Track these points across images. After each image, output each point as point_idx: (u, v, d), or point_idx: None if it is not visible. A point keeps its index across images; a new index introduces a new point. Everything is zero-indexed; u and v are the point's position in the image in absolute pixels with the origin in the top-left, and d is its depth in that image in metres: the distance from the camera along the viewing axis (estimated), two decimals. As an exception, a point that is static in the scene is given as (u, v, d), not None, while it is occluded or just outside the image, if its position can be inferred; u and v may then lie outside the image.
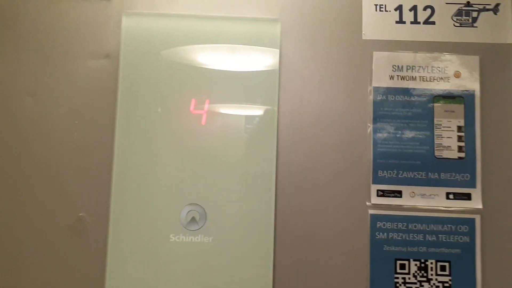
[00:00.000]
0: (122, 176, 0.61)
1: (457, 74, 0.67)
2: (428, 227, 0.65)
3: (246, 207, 0.62)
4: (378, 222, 0.65)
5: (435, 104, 0.66)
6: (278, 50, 0.64)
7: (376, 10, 0.67)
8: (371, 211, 0.65)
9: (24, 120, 0.64)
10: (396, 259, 0.65)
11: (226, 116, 0.63)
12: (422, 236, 0.65)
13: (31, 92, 0.64)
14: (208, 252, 0.61)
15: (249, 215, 0.62)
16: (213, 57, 0.63)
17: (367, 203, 0.65)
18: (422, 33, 0.67)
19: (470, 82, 0.67)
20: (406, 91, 0.67)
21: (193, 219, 0.61)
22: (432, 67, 0.67)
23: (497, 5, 0.68)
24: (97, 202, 0.63)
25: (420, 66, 0.67)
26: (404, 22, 0.67)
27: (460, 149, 0.66)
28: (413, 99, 0.67)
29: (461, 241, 0.65)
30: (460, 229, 0.65)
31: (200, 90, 0.63)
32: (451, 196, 0.65)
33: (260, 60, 0.64)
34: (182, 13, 0.66)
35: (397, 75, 0.67)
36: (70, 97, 0.64)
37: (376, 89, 0.67)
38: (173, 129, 0.62)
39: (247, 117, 0.63)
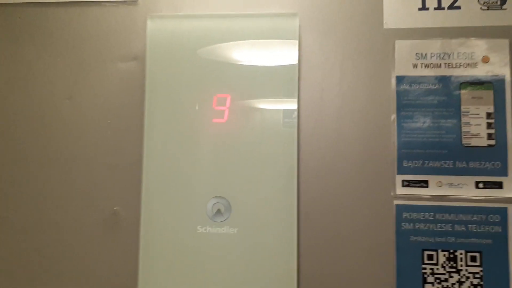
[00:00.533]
0: (151, 171, 0.65)
1: (485, 59, 0.64)
2: (456, 217, 0.64)
3: (269, 199, 0.64)
4: (403, 213, 0.64)
5: (462, 91, 0.65)
6: (297, 43, 0.64)
7: (397, -2, 0.66)
8: (396, 202, 0.65)
9: (63, 121, 0.69)
10: (424, 250, 0.64)
11: (248, 110, 0.65)
12: (450, 226, 0.64)
13: (68, 95, 0.69)
14: (234, 242, 0.63)
15: (272, 207, 0.63)
16: (234, 54, 0.65)
17: (392, 194, 0.65)
18: (447, 18, 0.65)
19: (500, 67, 0.64)
20: (430, 79, 0.65)
21: (218, 211, 0.64)
22: (458, 53, 0.65)
23: (528, -16, 0.65)
24: (130, 196, 0.67)
25: (445, 53, 0.65)
26: (428, 9, 0.66)
27: (489, 136, 0.64)
28: (438, 87, 0.65)
29: (492, 231, 0.63)
30: (491, 219, 0.63)
31: (222, 86, 0.65)
32: (480, 185, 0.64)
33: (280, 54, 0.65)
34: (203, 13, 0.68)
35: (421, 63, 0.66)
36: (103, 99, 0.69)
37: (399, 78, 0.66)
38: (198, 125, 0.65)
39: (268, 111, 0.64)
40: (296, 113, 0.64)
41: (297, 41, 0.65)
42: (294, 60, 0.64)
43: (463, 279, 0.63)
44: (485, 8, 0.65)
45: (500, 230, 0.63)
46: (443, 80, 0.65)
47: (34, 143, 0.69)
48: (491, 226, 0.63)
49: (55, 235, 0.68)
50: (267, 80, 0.65)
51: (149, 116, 0.66)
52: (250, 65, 0.65)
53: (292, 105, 0.64)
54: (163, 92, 0.66)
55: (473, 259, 0.63)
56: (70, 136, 0.69)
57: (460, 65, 0.65)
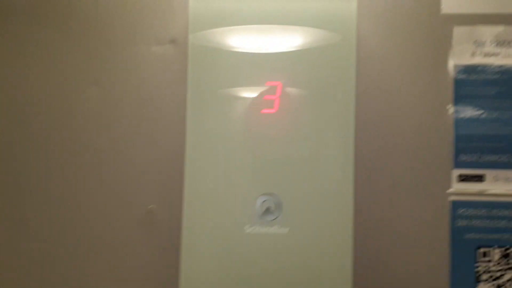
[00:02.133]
0: (194, 166, 0.59)
1: (546, 48, 0.62)
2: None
3: (322, 196, 0.59)
4: (459, 209, 0.62)
5: (523, 82, 0.62)
6: (355, 30, 0.59)
7: (456, -19, 0.62)
8: (452, 198, 0.62)
9: (89, 110, 0.62)
10: (478, 247, 0.62)
11: (300, 100, 0.60)
12: (505, 222, 0.62)
13: (96, 80, 0.62)
14: (285, 243, 0.59)
15: (326, 204, 0.59)
16: (286, 39, 0.60)
17: (448, 189, 0.62)
18: (509, 3, 0.62)
19: None
20: (490, 69, 0.62)
21: (268, 209, 0.59)
22: (520, 41, 0.62)
23: None
24: (167, 194, 0.61)
25: (505, 40, 0.62)
26: (488, -7, 0.62)
27: (551, 129, 0.61)
28: (497, 76, 0.62)
29: (548, 226, 0.61)
30: (547, 214, 0.61)
31: (272, 73, 0.60)
32: (538, 180, 0.62)
33: (336, 39, 0.60)
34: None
35: (480, 51, 0.62)
36: (135, 86, 0.62)
37: (457, 67, 0.62)
38: (245, 116, 0.60)
39: (322, 100, 0.60)
40: (353, 103, 0.59)
41: (354, 28, 0.60)
42: (351, 47, 0.60)
43: (517, 276, 0.61)
44: (548, -6, 0.62)
45: (557, 226, 0.61)
46: (503, 69, 0.62)
47: (56, 136, 0.62)
48: (547, 221, 0.61)
49: (80, 239, 0.62)
50: (320, 67, 0.60)
51: (192, 107, 0.59)
52: (303, 51, 0.60)
53: (348, 94, 0.59)
54: (206, 80, 0.60)
55: (528, 255, 0.61)
56: (97, 128, 0.62)
57: (521, 54, 0.62)
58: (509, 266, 0.61)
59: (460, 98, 0.62)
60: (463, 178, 0.62)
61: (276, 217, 0.59)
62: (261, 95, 0.60)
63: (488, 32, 0.62)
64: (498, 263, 0.61)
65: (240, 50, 0.60)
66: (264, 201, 0.59)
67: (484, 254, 0.62)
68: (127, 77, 0.62)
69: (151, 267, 0.61)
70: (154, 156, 0.61)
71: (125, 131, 0.62)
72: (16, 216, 0.62)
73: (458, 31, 0.62)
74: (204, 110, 0.60)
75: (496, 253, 0.62)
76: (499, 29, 0.62)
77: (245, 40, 0.60)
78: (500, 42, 0.62)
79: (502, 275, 0.61)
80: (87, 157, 0.62)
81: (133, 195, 0.61)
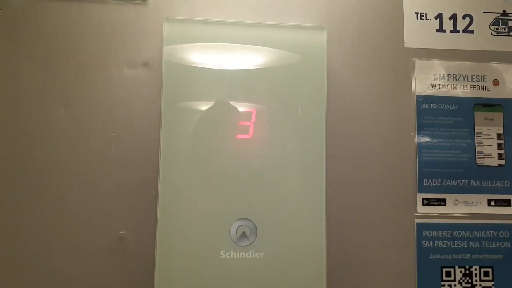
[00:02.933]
0: (168, 191, 0.58)
1: (495, 83, 0.68)
2: (471, 234, 0.66)
3: (297, 221, 0.60)
4: (424, 231, 0.65)
5: (476, 112, 0.67)
6: (325, 58, 0.62)
7: (417, 19, 0.67)
8: (417, 220, 0.65)
9: (58, 132, 0.60)
10: (442, 267, 0.65)
11: (273, 126, 0.61)
12: (466, 243, 0.65)
13: (65, 103, 0.60)
14: (261, 268, 0.59)
15: (300, 229, 0.60)
16: (258, 64, 0.61)
17: (414, 213, 0.65)
18: (462, 41, 0.68)
19: (509, 90, 0.67)
20: (448, 100, 0.67)
21: (243, 234, 0.59)
22: (472, 75, 0.67)
23: (531, 14, 0.69)
24: (139, 219, 0.59)
25: (460, 75, 0.67)
26: (445, 31, 0.68)
27: (500, 156, 0.67)
28: (454, 107, 0.67)
29: (502, 246, 0.66)
30: (501, 235, 0.66)
31: (246, 99, 0.61)
32: (492, 203, 0.66)
33: (308, 67, 0.62)
34: (225, 20, 0.63)
35: (439, 84, 0.67)
36: (105, 108, 0.61)
37: (419, 97, 0.66)
38: (220, 141, 0.60)
39: (294, 127, 0.61)
40: (324, 132, 0.61)
41: (325, 57, 0.62)
42: (322, 75, 0.62)
43: (477, 294, 0.65)
44: (495, 34, 0.68)
45: (509, 246, 0.66)
46: (459, 101, 0.67)
47: (23, 158, 0.59)
48: (502, 242, 0.66)
49: (58, 261, 0.58)
50: (293, 94, 0.61)
51: (166, 130, 0.59)
52: (277, 75, 0.61)
53: (319, 121, 0.61)
54: (181, 103, 0.59)
55: (486, 274, 0.65)
56: (67, 150, 0.59)
57: (474, 87, 0.67)
58: (470, 284, 0.65)
59: (422, 126, 0.66)
60: (427, 202, 0.65)
61: (252, 242, 0.59)
62: (236, 120, 0.60)
63: (446, 66, 0.67)
64: (460, 282, 0.65)
65: (214, 75, 0.60)
66: (240, 226, 0.59)
67: (448, 274, 0.65)
68: (97, 100, 0.60)
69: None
70: (125, 179, 0.59)
71: (96, 154, 0.60)
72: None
73: (420, 64, 0.67)
74: (178, 134, 0.59)
75: (458, 272, 0.65)
76: (454, 63, 0.67)
77: (219, 65, 0.60)
78: (457, 76, 0.67)
79: (464, 294, 0.65)
80: (56, 181, 0.59)
81: (104, 221, 0.59)
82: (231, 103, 0.60)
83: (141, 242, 0.59)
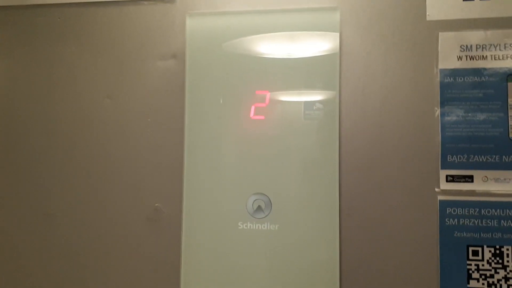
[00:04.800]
0: (192, 168, 0.66)
1: (533, 50, 0.62)
2: (503, 213, 0.62)
3: (310, 195, 0.63)
4: (448, 208, 0.63)
5: (510, 83, 0.62)
6: (338, 36, 0.64)
7: (440, -12, 0.64)
8: (440, 197, 0.63)
9: (104, 120, 0.70)
10: (468, 246, 0.63)
11: (288, 104, 0.64)
12: (496, 221, 0.62)
13: (109, 94, 0.70)
14: (275, 239, 0.64)
15: (313, 202, 0.63)
16: (274, 47, 0.65)
17: (436, 189, 0.63)
18: (493, 8, 0.63)
19: (548, 58, 0.62)
20: (476, 72, 0.63)
21: (259, 208, 0.64)
22: (505, 44, 0.63)
23: None
24: (171, 194, 0.67)
25: (491, 44, 0.63)
26: (473, -1, 0.64)
27: (537, 129, 0.62)
28: (484, 79, 0.63)
29: (539, 226, 0.61)
30: (538, 214, 0.62)
31: (261, 82, 0.65)
32: (528, 180, 0.62)
33: (320, 46, 0.64)
34: (242, 10, 0.68)
35: (466, 55, 0.64)
36: (142, 97, 0.69)
37: (443, 71, 0.64)
38: (237, 122, 0.65)
39: (308, 104, 0.64)
40: (337, 107, 0.63)
41: (338, 34, 0.64)
42: (335, 55, 0.64)
43: (509, 275, 0.62)
44: (534, -4, 0.62)
45: (548, 226, 0.61)
46: (489, 72, 0.63)
47: (76, 142, 0.71)
48: (539, 221, 0.62)
49: (98, 232, 0.69)
50: (306, 75, 0.64)
51: (190, 114, 0.66)
52: (290, 60, 0.64)
53: (333, 99, 0.63)
54: (202, 89, 0.66)
55: (520, 255, 0.62)
56: (111, 135, 0.70)
57: (508, 57, 0.63)
58: (501, 265, 0.62)
59: (446, 101, 0.64)
60: (451, 179, 0.63)
61: (267, 215, 0.64)
62: (252, 103, 0.65)
63: (474, 36, 0.64)
64: (489, 262, 0.62)
65: (232, 61, 0.65)
66: (256, 200, 0.64)
67: (475, 253, 0.63)
68: (135, 90, 0.70)
69: (156, 258, 0.67)
70: (159, 159, 0.68)
71: (134, 139, 0.69)
72: (39, 214, 0.70)
73: (444, 37, 0.64)
74: (201, 117, 0.66)
75: (487, 252, 0.62)
76: (483, 33, 0.63)
77: (237, 52, 0.65)
78: (486, 46, 0.63)
79: (493, 274, 0.62)
80: (102, 162, 0.70)
81: (142, 195, 0.68)
82: (246, 85, 0.65)
83: (173, 213, 0.67)
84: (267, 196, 0.64)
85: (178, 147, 0.67)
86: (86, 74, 0.71)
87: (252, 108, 0.65)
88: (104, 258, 0.69)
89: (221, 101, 0.66)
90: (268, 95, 0.65)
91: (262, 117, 0.65)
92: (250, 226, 0.64)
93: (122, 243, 0.69)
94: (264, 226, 0.64)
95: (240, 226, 0.64)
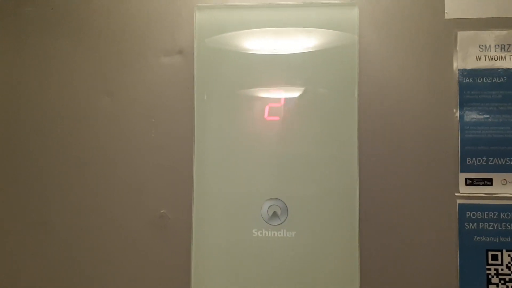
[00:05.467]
0: (203, 171, 0.61)
1: (552, 51, 0.61)
2: (522, 216, 0.61)
3: (328, 200, 0.60)
4: (467, 212, 0.62)
5: (529, 85, 0.62)
6: (356, 33, 0.61)
7: (459, -14, 0.63)
8: (459, 201, 0.62)
9: (103, 119, 0.65)
10: (488, 250, 0.61)
11: (303, 106, 0.61)
12: (516, 225, 0.61)
13: (108, 91, 0.65)
14: (292, 247, 0.60)
15: (332, 208, 0.60)
16: (290, 43, 0.61)
17: (455, 193, 0.62)
18: (512, 7, 0.62)
19: None
20: (495, 72, 0.62)
21: (274, 214, 0.61)
22: (524, 44, 0.62)
23: None
24: (178, 199, 0.63)
25: (510, 44, 0.62)
26: (492, -3, 0.62)
27: (556, 132, 0.61)
28: (503, 80, 0.62)
29: (558, 230, 0.61)
30: (557, 217, 0.61)
31: (276, 81, 0.61)
32: (547, 183, 0.61)
33: (338, 44, 0.61)
34: (254, 3, 0.64)
35: (485, 55, 0.62)
36: (145, 95, 0.64)
37: (462, 71, 0.62)
38: (251, 124, 0.61)
39: (326, 105, 0.61)
40: (356, 108, 0.60)
41: (356, 33, 0.61)
42: (354, 53, 0.61)
43: (528, 280, 0.61)
44: (552, -4, 0.62)
45: None
46: (508, 73, 0.62)
47: (72, 144, 0.65)
48: (558, 225, 0.61)
49: (99, 241, 0.64)
50: (323, 74, 0.61)
51: (199, 115, 0.62)
52: (306, 57, 0.61)
53: (351, 100, 0.61)
54: (213, 88, 0.62)
55: (539, 259, 0.61)
56: (111, 135, 0.64)
57: (527, 57, 0.62)
58: (520, 269, 0.61)
59: (465, 102, 0.62)
60: (470, 182, 0.62)
61: (283, 222, 0.61)
62: (266, 103, 0.61)
63: (493, 36, 0.62)
64: (508, 267, 0.61)
65: (244, 58, 0.61)
66: (271, 206, 0.61)
67: (494, 257, 0.61)
68: (137, 88, 0.64)
69: (164, 267, 0.63)
70: (164, 162, 0.63)
71: (137, 139, 0.64)
72: (38, 220, 0.64)
73: (462, 36, 0.63)
74: (211, 117, 0.61)
75: (506, 257, 0.61)
76: (503, 32, 0.62)
77: (249, 48, 0.62)
78: (505, 46, 0.62)
79: (512, 279, 0.61)
80: (101, 164, 0.64)
81: (146, 200, 0.63)
82: (260, 84, 0.62)
83: (179, 220, 0.62)
84: (283, 202, 0.61)
85: (186, 150, 0.62)
86: (82, 70, 0.65)
87: (267, 108, 0.61)
88: (106, 268, 0.64)
89: (232, 101, 0.61)
90: (283, 94, 0.61)
91: (277, 118, 0.61)
92: (265, 234, 0.60)
93: (126, 252, 0.64)
94: (280, 233, 0.60)
95: (254, 234, 0.60)
